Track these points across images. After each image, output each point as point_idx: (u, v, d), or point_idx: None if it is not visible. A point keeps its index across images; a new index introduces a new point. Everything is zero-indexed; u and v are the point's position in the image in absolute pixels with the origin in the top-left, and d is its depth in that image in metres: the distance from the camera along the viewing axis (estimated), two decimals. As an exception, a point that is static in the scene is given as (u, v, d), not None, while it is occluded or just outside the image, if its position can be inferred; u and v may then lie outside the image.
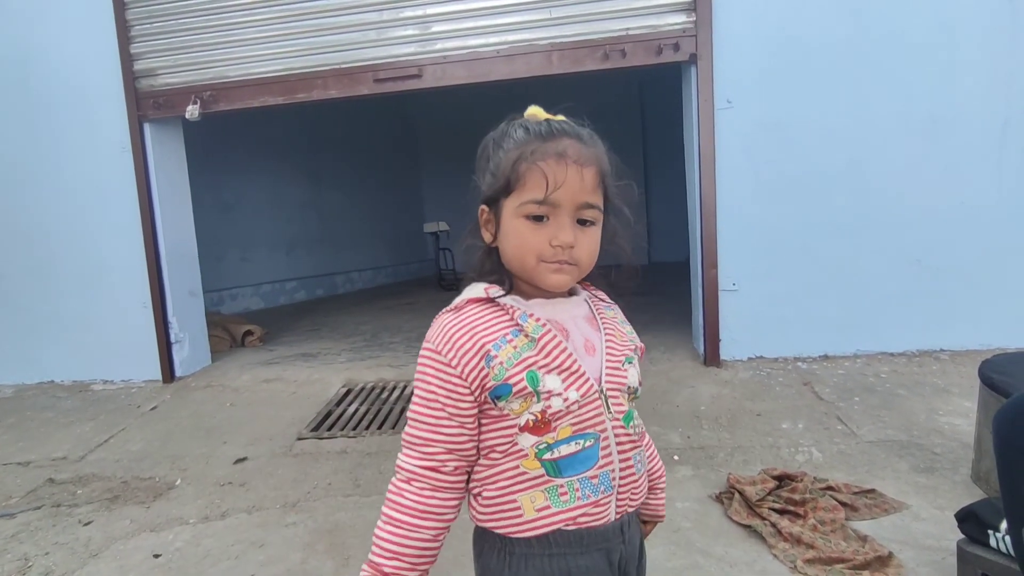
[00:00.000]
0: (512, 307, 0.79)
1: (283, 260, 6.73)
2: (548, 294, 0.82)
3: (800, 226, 3.13)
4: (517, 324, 0.78)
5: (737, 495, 1.98)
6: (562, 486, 0.77)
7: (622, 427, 0.81)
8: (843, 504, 1.89)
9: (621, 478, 0.80)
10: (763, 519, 1.85)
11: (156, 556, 1.96)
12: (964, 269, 3.04)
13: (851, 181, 3.07)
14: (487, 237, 0.83)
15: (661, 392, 2.95)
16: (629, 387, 0.82)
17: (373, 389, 3.34)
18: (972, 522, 1.45)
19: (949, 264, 3.04)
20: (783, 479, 2.05)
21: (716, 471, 2.22)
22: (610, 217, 0.84)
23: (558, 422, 0.76)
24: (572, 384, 0.77)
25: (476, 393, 0.77)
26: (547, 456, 0.77)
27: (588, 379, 0.78)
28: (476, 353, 0.76)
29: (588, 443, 0.78)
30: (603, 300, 0.90)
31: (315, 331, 4.92)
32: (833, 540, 1.71)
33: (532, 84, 3.38)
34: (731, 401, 2.80)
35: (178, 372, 3.72)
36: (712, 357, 3.20)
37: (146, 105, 3.49)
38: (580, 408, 0.77)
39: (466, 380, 0.76)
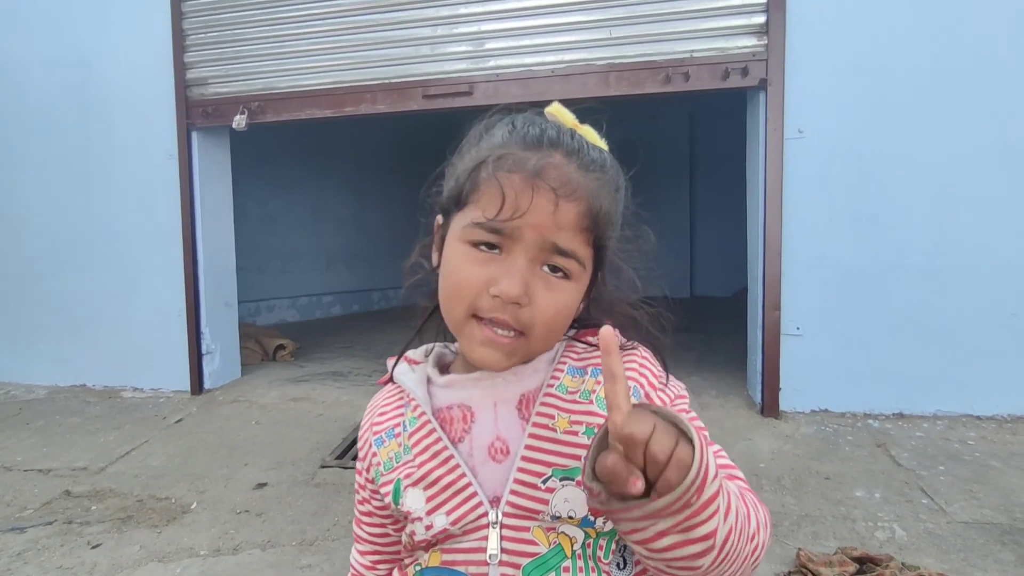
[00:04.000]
0: (402, 389, 0.62)
1: (322, 274, 6.71)
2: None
3: (876, 267, 2.85)
4: (403, 415, 0.60)
5: (810, 577, 1.71)
6: None
7: None
8: (940, 601, 1.61)
9: None
10: (844, 611, 1.58)
11: (160, 592, 1.81)
12: (1067, 326, 2.70)
13: (937, 219, 2.79)
14: (435, 258, 0.62)
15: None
16: (550, 515, 0.54)
17: (402, 416, 3.18)
18: None
19: (1049, 320, 2.71)
20: (864, 562, 1.78)
21: (782, 543, 1.95)
22: (602, 276, 0.60)
23: (429, 547, 0.57)
24: (443, 505, 0.55)
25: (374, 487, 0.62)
26: None
27: (474, 497, 0.54)
28: (364, 445, 0.63)
29: None
30: (581, 357, 0.59)
31: (347, 348, 4.82)
32: (935, 649, 1.43)
33: (582, 107, 3.21)
34: (794, 459, 2.52)
35: (207, 384, 3.63)
36: (771, 407, 2.92)
37: (195, 113, 3.48)
38: (458, 537, 0.55)
39: (367, 471, 0.63)
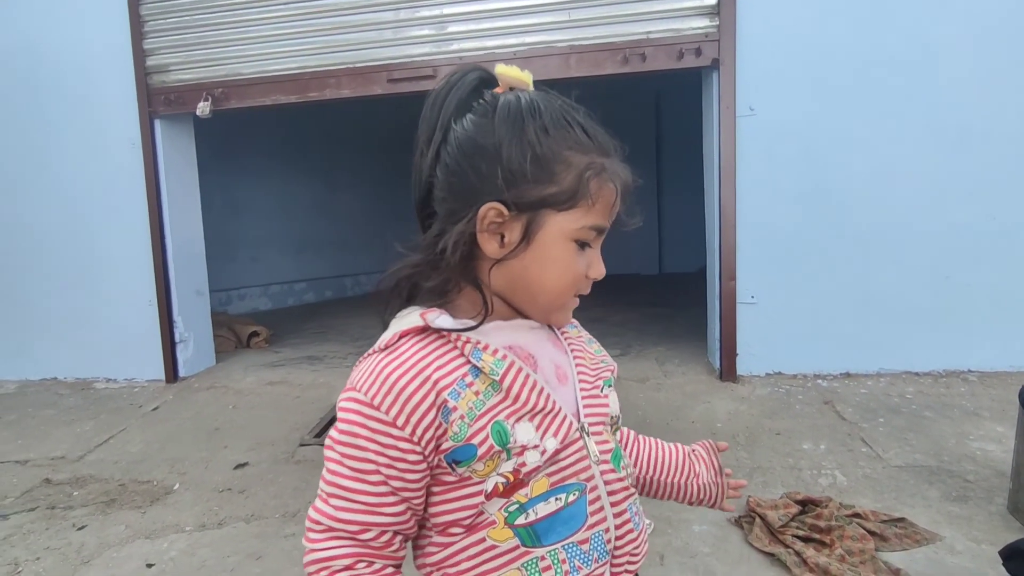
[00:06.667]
0: (461, 338, 0.60)
1: (293, 261, 6.69)
2: (508, 316, 0.66)
3: (822, 238, 3.03)
4: (471, 361, 0.60)
5: (758, 520, 1.87)
6: (543, 558, 0.61)
7: (612, 470, 0.65)
8: (872, 533, 1.78)
9: (618, 538, 0.65)
10: (786, 546, 1.75)
11: (149, 566, 1.88)
12: (995, 287, 2.92)
13: (877, 192, 2.97)
14: (492, 248, 0.61)
15: (676, 407, 2.85)
16: (612, 417, 0.69)
17: (379, 395, 3.27)
18: (1019, 560, 1.34)
19: (979, 281, 2.93)
20: (807, 504, 1.95)
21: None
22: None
23: (532, 478, 0.61)
24: (548, 429, 0.61)
25: (430, 458, 0.59)
26: (520, 520, 0.60)
27: (566, 417, 0.62)
28: (431, 406, 0.57)
29: (571, 497, 0.62)
30: None
31: (322, 334, 4.86)
32: (863, 572, 1.61)
33: (547, 87, 3.30)
34: (749, 418, 2.69)
35: (182, 372, 3.66)
36: (728, 372, 3.10)
37: (157, 101, 3.46)
38: (560, 453, 0.62)
39: (419, 443, 0.57)
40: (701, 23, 3.00)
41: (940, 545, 1.76)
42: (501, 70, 0.64)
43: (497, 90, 0.64)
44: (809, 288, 3.05)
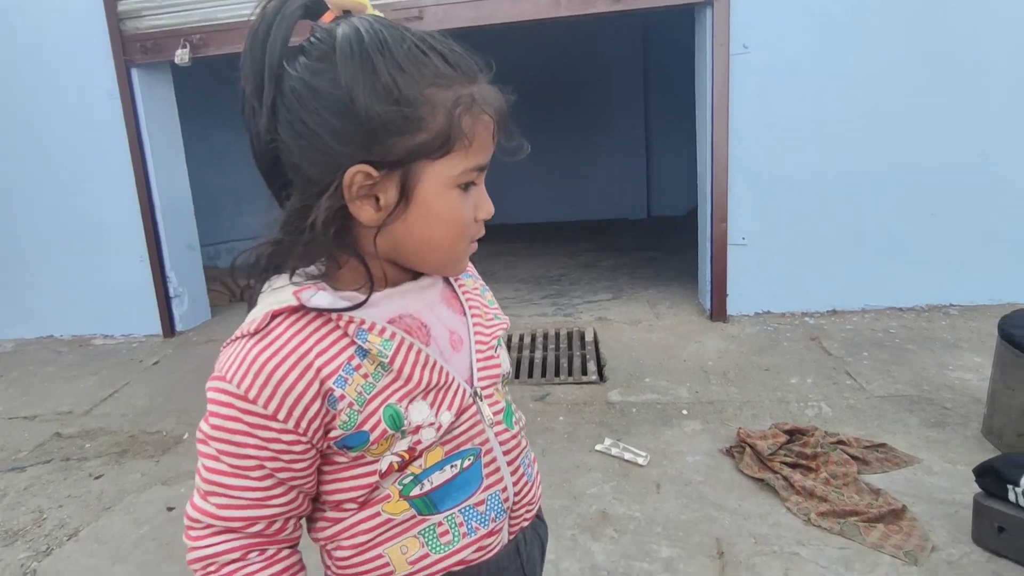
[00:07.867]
0: (343, 316, 0.55)
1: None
2: (397, 278, 0.60)
3: (814, 178, 3.05)
4: (356, 342, 0.55)
5: (748, 449, 1.98)
6: (440, 524, 0.60)
7: (506, 430, 0.65)
8: (854, 458, 1.90)
9: (516, 494, 0.66)
10: (775, 473, 1.86)
11: (170, 509, 1.96)
12: (979, 223, 2.98)
13: (869, 131, 2.97)
14: (367, 215, 0.53)
15: (667, 347, 2.94)
16: (504, 375, 0.67)
17: (377, 344, 3.33)
18: (991, 477, 1.45)
19: (964, 218, 2.98)
20: (794, 433, 2.06)
21: (725, 425, 2.23)
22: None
23: (428, 451, 0.59)
24: (443, 403, 0.59)
25: (319, 444, 0.55)
26: (415, 492, 0.59)
27: (459, 387, 0.60)
28: (315, 396, 0.53)
29: (467, 463, 0.61)
30: None
31: (315, 285, 4.87)
32: (846, 493, 1.72)
33: (534, 28, 3.22)
34: (738, 356, 2.79)
35: (178, 327, 3.68)
36: (719, 312, 3.18)
37: (132, 49, 3.32)
38: (455, 423, 0.60)
39: (304, 434, 0.54)
40: (695, -44, 2.90)
41: (918, 467, 1.88)
42: None
43: (326, 18, 0.53)
44: (799, 228, 3.10)
